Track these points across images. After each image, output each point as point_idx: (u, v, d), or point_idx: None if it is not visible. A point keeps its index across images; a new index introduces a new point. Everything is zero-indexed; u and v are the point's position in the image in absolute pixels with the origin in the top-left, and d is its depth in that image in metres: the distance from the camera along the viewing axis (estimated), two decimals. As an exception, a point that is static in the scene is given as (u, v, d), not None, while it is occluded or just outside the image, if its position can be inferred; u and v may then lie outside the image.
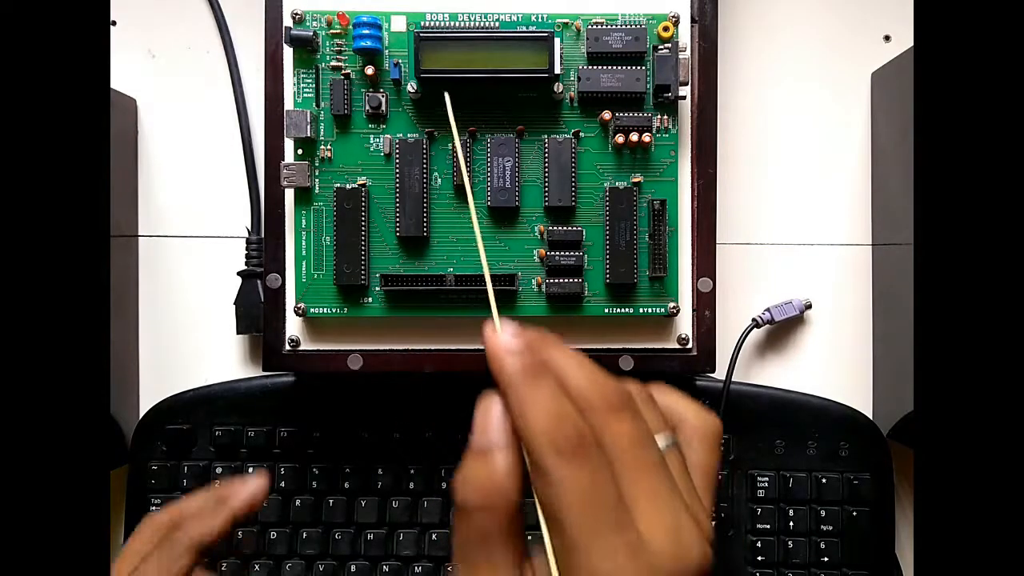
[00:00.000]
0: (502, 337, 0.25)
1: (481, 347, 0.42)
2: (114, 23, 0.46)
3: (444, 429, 0.44)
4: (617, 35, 0.40)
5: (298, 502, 0.44)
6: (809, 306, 0.47)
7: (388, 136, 0.40)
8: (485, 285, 0.40)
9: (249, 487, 0.36)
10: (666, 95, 0.40)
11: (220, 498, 0.36)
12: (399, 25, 0.40)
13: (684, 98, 0.41)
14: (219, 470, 0.44)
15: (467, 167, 0.28)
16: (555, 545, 0.23)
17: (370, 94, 0.40)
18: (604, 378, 0.25)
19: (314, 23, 0.40)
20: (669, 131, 0.41)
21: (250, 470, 0.43)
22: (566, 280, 0.40)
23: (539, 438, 0.23)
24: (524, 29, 0.40)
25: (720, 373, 0.44)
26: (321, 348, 0.42)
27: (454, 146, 0.30)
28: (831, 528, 0.44)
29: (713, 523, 0.41)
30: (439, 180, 0.40)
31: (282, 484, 0.44)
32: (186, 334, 0.47)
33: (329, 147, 0.40)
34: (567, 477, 0.23)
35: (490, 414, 0.24)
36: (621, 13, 0.40)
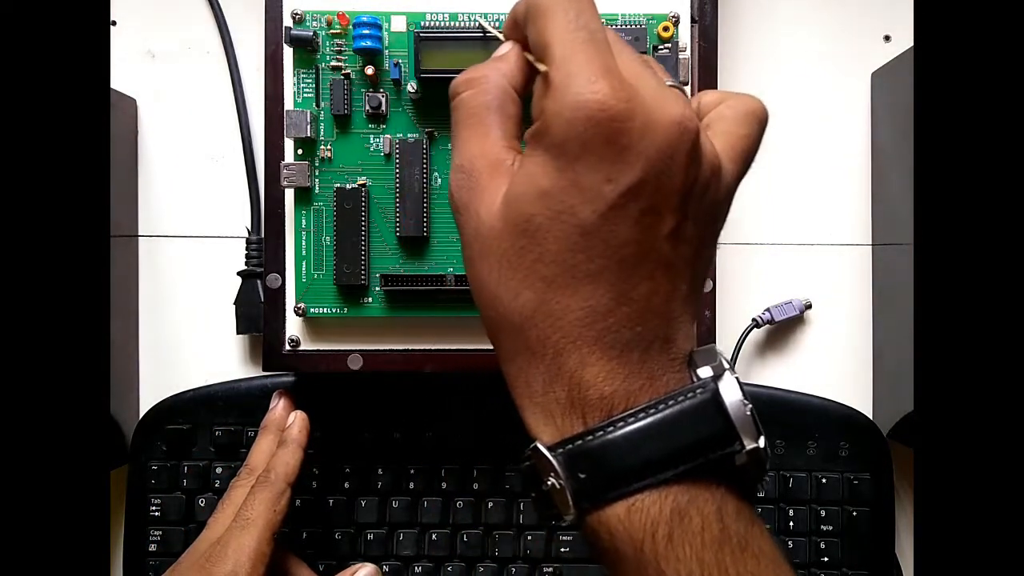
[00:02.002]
0: None
1: (482, 347, 0.42)
2: (114, 23, 0.46)
3: (444, 429, 0.44)
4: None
5: (298, 502, 0.44)
6: (809, 306, 0.47)
7: (388, 136, 0.40)
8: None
9: (297, 422, 0.40)
10: (666, 95, 0.40)
11: (283, 440, 0.39)
12: (399, 25, 0.40)
13: (684, 98, 0.40)
14: (219, 470, 0.44)
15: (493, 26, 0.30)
16: (545, 76, 0.24)
17: (370, 94, 0.40)
18: None
19: (314, 23, 0.40)
20: (669, 131, 0.41)
21: (275, 401, 0.42)
22: (566, 280, 0.40)
23: None
24: (524, 29, 0.40)
25: (720, 373, 0.44)
26: (321, 348, 0.42)
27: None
28: (831, 528, 0.44)
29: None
30: (439, 180, 0.40)
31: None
32: (186, 334, 0.47)
33: (329, 147, 0.40)
34: (557, 7, 0.23)
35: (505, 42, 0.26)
36: (621, 13, 0.40)
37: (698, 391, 0.23)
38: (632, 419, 0.23)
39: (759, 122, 0.27)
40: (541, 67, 0.23)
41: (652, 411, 0.23)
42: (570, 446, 0.23)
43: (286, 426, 0.40)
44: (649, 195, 0.23)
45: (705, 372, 0.24)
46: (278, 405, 0.42)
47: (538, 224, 0.23)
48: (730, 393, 0.23)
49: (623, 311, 0.23)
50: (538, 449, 0.23)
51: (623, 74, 0.23)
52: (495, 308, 0.24)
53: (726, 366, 0.24)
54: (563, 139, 0.22)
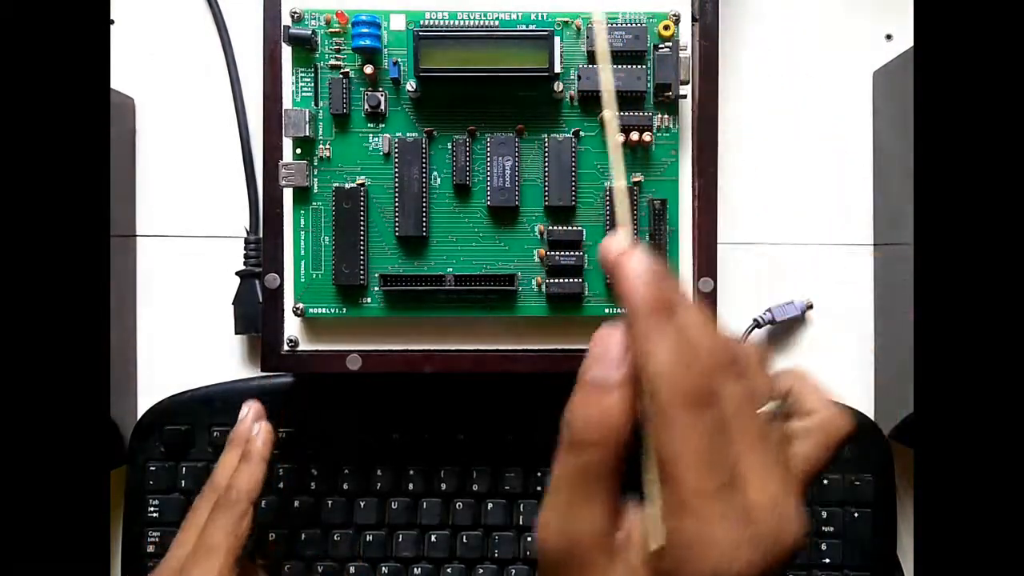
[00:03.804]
0: (633, 261, 0.23)
1: (480, 348, 0.42)
2: (113, 22, 0.46)
3: (443, 430, 0.44)
4: (617, 34, 0.40)
5: (297, 503, 0.43)
6: (810, 306, 0.47)
7: (387, 135, 0.40)
8: (486, 284, 0.39)
9: (260, 434, 0.39)
10: (667, 94, 0.40)
11: (246, 453, 0.39)
12: (398, 24, 0.40)
13: (685, 97, 0.40)
14: (217, 471, 0.44)
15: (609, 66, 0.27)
16: (664, 498, 0.22)
17: (369, 93, 0.40)
18: (723, 335, 0.24)
19: (313, 22, 0.40)
20: (670, 130, 0.41)
21: (244, 410, 0.40)
22: (566, 280, 0.40)
23: (667, 384, 0.22)
24: (524, 28, 0.40)
25: (721, 374, 0.44)
26: (320, 348, 0.42)
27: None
28: (832, 529, 0.43)
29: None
30: (438, 179, 0.40)
31: (280, 485, 0.43)
32: (184, 335, 0.46)
33: (328, 146, 0.40)
34: (690, 429, 0.22)
35: (610, 345, 0.24)
36: (622, 12, 0.40)
37: None
38: None
39: (843, 444, 0.27)
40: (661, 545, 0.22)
41: None
42: None
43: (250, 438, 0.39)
44: None
45: None
46: (247, 416, 0.40)
47: None
48: None
49: None
50: None
51: (755, 508, 0.22)
52: None
53: None
54: None
